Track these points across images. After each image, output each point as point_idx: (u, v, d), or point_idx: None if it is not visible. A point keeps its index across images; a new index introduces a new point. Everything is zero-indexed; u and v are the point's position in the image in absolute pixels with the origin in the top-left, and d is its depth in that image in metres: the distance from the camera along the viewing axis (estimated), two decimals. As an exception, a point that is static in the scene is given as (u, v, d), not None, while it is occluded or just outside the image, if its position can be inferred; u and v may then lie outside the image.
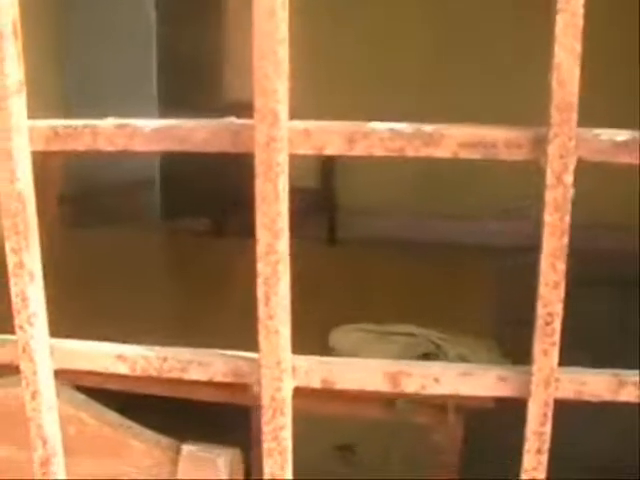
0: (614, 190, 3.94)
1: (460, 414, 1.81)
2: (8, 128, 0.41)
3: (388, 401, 1.82)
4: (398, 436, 1.97)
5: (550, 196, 0.39)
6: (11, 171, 0.42)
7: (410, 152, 0.40)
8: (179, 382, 1.82)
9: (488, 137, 0.40)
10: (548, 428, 0.43)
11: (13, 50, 0.40)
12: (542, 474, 0.43)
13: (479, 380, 0.43)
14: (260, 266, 0.40)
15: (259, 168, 0.39)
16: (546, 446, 0.43)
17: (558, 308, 0.40)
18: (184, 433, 1.04)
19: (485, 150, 0.40)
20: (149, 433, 1.03)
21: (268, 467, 0.43)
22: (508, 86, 4.19)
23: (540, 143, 0.38)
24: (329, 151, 0.40)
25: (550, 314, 0.40)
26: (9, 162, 0.41)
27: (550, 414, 0.42)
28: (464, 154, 0.40)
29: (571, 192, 0.39)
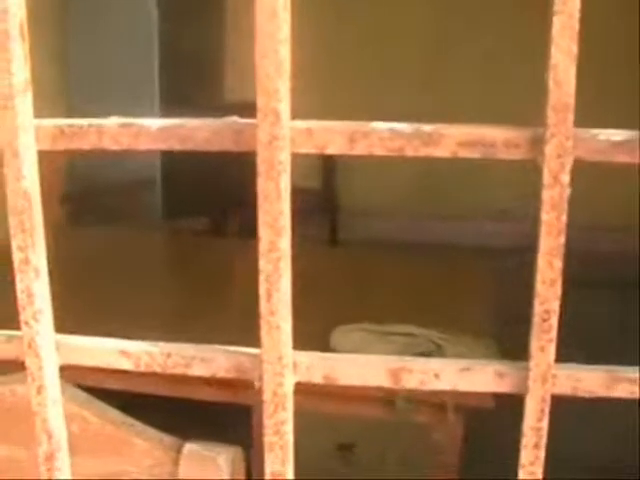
0: (614, 192, 3.95)
1: (460, 413, 1.82)
2: (15, 127, 0.42)
3: (388, 400, 1.82)
4: (398, 436, 1.97)
5: (547, 195, 0.39)
6: (17, 169, 0.42)
7: (410, 152, 0.41)
8: (182, 382, 1.83)
9: (487, 137, 0.40)
10: (545, 423, 0.43)
11: (20, 51, 0.41)
12: (539, 469, 0.44)
13: (477, 376, 0.44)
14: (262, 263, 0.41)
15: (261, 167, 0.40)
16: (543, 441, 0.44)
17: (555, 305, 0.41)
18: (186, 431, 1.04)
19: (484, 149, 0.40)
20: (151, 431, 1.03)
21: (270, 461, 0.44)
22: (510, 84, 4.20)
23: (538, 143, 0.39)
24: (331, 150, 0.41)
25: (547, 311, 0.41)
26: (15, 160, 0.42)
27: (547, 410, 0.43)
28: (463, 153, 0.41)
29: (568, 191, 0.39)
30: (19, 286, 0.44)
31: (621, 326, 3.42)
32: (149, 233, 3.56)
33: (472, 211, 4.51)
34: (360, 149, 0.40)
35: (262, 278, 0.41)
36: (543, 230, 0.40)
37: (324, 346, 1.93)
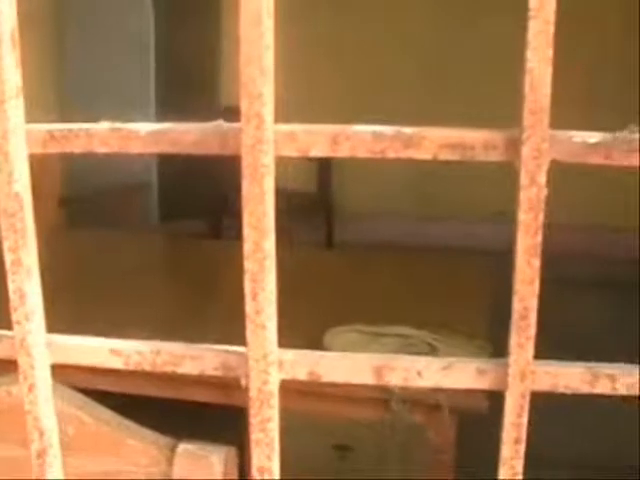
0: (613, 193, 3.96)
1: (454, 414, 1.83)
2: (6, 131, 0.43)
3: (383, 401, 1.83)
4: (393, 436, 1.98)
5: (524, 196, 0.40)
6: (9, 173, 0.43)
7: (391, 154, 0.42)
8: (176, 383, 1.83)
9: (467, 139, 0.41)
10: (525, 419, 0.44)
11: (11, 57, 0.42)
12: (520, 463, 0.45)
13: (459, 373, 0.45)
14: (247, 263, 0.42)
15: (246, 170, 0.41)
16: (523, 436, 0.45)
17: (533, 303, 0.42)
18: (180, 432, 1.05)
19: (464, 152, 0.41)
20: (146, 432, 1.04)
21: (256, 457, 0.45)
22: (510, 84, 4.21)
23: (515, 145, 0.40)
24: (314, 153, 0.42)
25: (526, 308, 0.42)
26: (7, 164, 0.43)
27: (526, 406, 0.44)
28: (444, 156, 0.42)
29: (544, 192, 0.40)
30: (11, 286, 0.45)
31: (620, 327, 3.42)
32: (145, 235, 3.57)
33: (467, 213, 4.52)
34: (343, 151, 0.41)
35: (247, 278, 0.42)
36: (521, 230, 0.41)
37: (318, 347, 1.94)
